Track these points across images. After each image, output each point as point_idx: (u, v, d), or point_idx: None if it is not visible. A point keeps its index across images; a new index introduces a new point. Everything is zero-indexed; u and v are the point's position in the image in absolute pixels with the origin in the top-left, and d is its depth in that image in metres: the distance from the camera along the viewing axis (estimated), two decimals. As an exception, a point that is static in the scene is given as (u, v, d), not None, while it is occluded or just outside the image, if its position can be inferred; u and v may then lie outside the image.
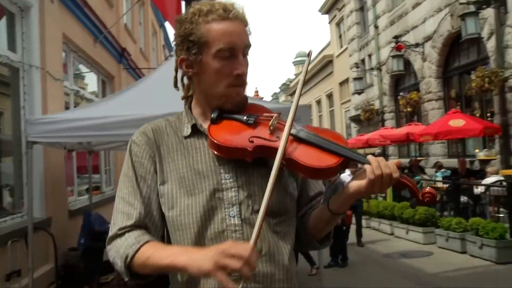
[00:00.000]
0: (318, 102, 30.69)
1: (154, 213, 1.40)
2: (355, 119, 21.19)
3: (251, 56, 1.48)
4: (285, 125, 1.35)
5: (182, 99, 1.56)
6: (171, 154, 1.43)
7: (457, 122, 9.95)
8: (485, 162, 11.04)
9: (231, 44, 1.37)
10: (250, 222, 1.33)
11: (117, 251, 1.34)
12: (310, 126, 1.48)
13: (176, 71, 1.52)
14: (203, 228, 1.34)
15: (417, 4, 14.60)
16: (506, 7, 10.31)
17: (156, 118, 5.07)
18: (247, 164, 1.37)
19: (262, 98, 25.23)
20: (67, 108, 7.67)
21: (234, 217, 1.34)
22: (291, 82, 41.62)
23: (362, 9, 20.66)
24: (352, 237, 9.04)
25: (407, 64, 15.21)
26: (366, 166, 1.29)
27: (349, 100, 23.03)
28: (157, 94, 5.51)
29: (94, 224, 6.42)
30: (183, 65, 1.43)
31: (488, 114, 11.63)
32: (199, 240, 1.34)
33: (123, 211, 1.39)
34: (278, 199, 1.39)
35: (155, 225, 1.41)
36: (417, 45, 14.56)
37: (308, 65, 1.45)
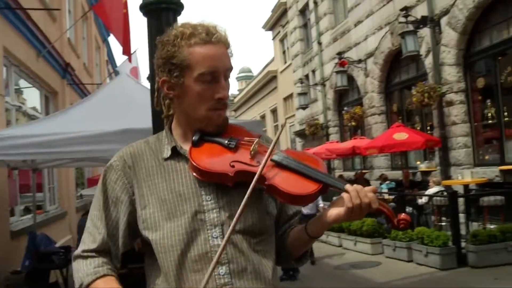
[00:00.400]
0: (263, 117, 31.04)
1: (119, 238, 1.45)
2: (300, 133, 21.58)
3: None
4: (266, 150, 1.38)
5: (163, 118, 1.55)
6: (150, 177, 1.42)
7: (401, 135, 10.35)
8: (426, 174, 11.54)
9: (213, 68, 1.39)
10: (233, 242, 1.35)
11: (76, 272, 1.42)
12: (289, 150, 1.52)
13: (157, 91, 1.52)
14: (186, 249, 1.35)
15: (359, 22, 15.17)
16: (440, 28, 10.94)
17: (105, 135, 4.97)
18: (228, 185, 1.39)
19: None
20: (8, 124, 7.36)
21: (217, 238, 1.35)
22: (234, 97, 41.83)
23: (305, 26, 21.19)
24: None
25: (351, 79, 15.71)
26: (345, 195, 1.32)
27: (293, 115, 23.43)
28: (105, 111, 5.44)
29: (40, 244, 6.17)
30: (165, 87, 1.43)
31: (428, 128, 12.20)
32: (183, 262, 1.35)
33: (91, 232, 1.45)
34: (258, 219, 1.41)
35: (118, 249, 1.46)
36: (359, 61, 15.09)
37: (279, 135, 1.47)
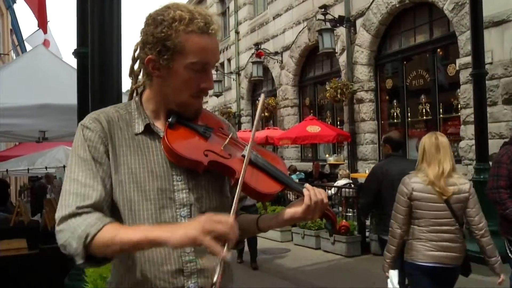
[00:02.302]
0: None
1: (108, 198, 1.38)
2: (212, 120, 21.55)
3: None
4: (236, 143, 1.49)
5: (135, 89, 1.54)
6: (123, 148, 1.41)
7: (314, 128, 10.79)
8: (335, 166, 12.15)
9: (205, 59, 1.40)
10: None
11: (73, 231, 1.27)
12: (257, 147, 1.59)
13: (134, 61, 1.50)
14: (155, 223, 1.37)
15: (278, 15, 15.47)
16: (355, 28, 11.52)
17: (20, 109, 4.68)
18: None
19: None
20: None
21: (185, 217, 1.40)
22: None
23: (224, 14, 21.16)
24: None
25: (266, 70, 16.01)
26: (305, 193, 1.43)
27: (206, 102, 23.37)
28: (20, 84, 5.11)
29: None
30: (150, 65, 1.41)
31: (338, 122, 12.82)
32: None
33: (77, 192, 1.33)
34: (221, 202, 1.49)
35: (108, 209, 1.38)
36: (276, 53, 15.41)
37: (263, 105, 1.54)
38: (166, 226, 1.27)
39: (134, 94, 1.55)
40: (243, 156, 1.43)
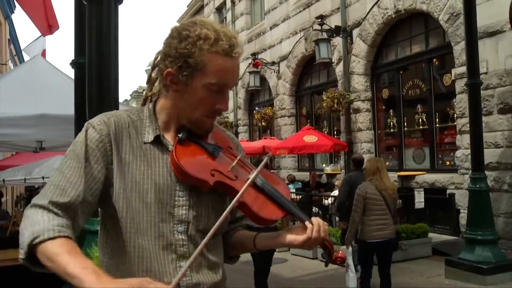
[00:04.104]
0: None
1: (88, 203, 1.34)
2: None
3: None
4: (245, 166, 1.49)
5: (149, 97, 1.54)
6: (129, 156, 1.40)
7: (311, 138, 10.81)
8: (331, 176, 12.15)
9: (224, 81, 1.39)
10: (193, 240, 1.41)
11: (31, 224, 1.23)
12: (265, 171, 1.56)
13: (152, 69, 1.50)
14: (154, 235, 1.37)
15: (275, 26, 15.56)
16: (352, 38, 11.60)
17: (19, 119, 4.70)
18: None
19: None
20: None
21: (181, 233, 1.40)
22: (143, 90, 40.69)
23: (221, 24, 21.22)
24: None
25: (263, 80, 16.06)
26: (309, 226, 1.44)
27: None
28: (18, 94, 5.14)
29: None
30: (168, 79, 1.40)
31: (335, 132, 12.86)
32: (148, 247, 1.37)
33: (59, 185, 1.30)
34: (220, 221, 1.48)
35: (83, 216, 1.34)
36: (273, 63, 15.48)
37: (264, 163, 1.51)
38: (105, 275, 1.17)
39: (148, 101, 1.54)
40: (254, 183, 1.44)
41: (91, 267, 1.15)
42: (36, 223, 1.22)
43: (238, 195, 1.36)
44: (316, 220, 1.45)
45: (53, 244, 1.18)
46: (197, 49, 1.35)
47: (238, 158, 1.49)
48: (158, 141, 1.44)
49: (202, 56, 1.35)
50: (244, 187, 1.38)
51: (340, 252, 1.56)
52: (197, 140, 1.46)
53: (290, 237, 1.46)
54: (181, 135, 1.44)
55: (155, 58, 1.47)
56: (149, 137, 1.44)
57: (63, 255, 1.16)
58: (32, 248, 1.19)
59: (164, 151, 1.43)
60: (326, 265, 1.60)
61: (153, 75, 1.51)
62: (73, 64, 4.06)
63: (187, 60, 1.36)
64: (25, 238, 1.20)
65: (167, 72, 1.39)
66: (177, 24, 1.44)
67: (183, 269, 1.27)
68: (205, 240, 1.29)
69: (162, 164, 1.41)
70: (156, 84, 1.52)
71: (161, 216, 1.37)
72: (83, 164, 1.34)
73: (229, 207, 1.35)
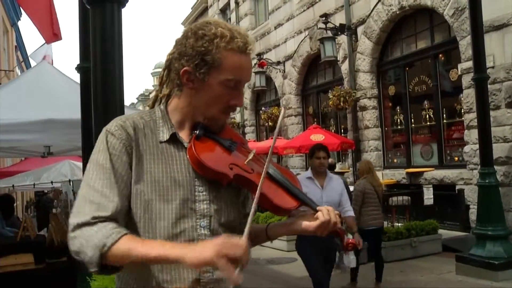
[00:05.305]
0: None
1: (124, 210, 1.38)
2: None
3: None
4: (260, 160, 1.53)
5: (160, 98, 1.56)
6: (147, 156, 1.42)
7: (318, 136, 10.78)
8: (340, 174, 12.10)
9: (239, 78, 1.44)
10: (216, 234, 1.42)
11: (87, 240, 1.28)
12: (275, 164, 1.63)
13: (165, 71, 1.53)
14: (174, 233, 1.38)
15: (279, 25, 15.55)
16: (356, 36, 11.57)
17: (25, 125, 4.71)
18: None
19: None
20: None
21: (204, 228, 1.42)
22: (150, 93, 40.92)
23: (226, 24, 21.28)
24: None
25: (269, 80, 16.06)
26: (320, 212, 1.48)
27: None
28: (25, 100, 5.16)
29: None
30: (185, 77, 1.44)
31: (342, 130, 12.82)
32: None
33: (93, 201, 1.33)
34: (238, 214, 1.52)
35: (123, 222, 1.38)
36: (278, 63, 15.48)
37: (282, 119, 1.61)
38: (181, 244, 1.30)
39: (157, 103, 1.57)
40: (267, 173, 1.48)
41: (168, 244, 1.28)
42: (91, 238, 1.28)
43: (259, 186, 1.39)
44: (326, 207, 1.49)
45: (119, 245, 1.26)
46: (214, 47, 1.39)
47: (252, 153, 1.54)
48: (173, 139, 1.47)
49: (219, 53, 1.40)
50: (262, 178, 1.41)
51: (351, 238, 1.57)
52: (214, 136, 1.51)
53: (304, 224, 1.49)
54: (198, 131, 1.48)
55: (168, 60, 1.50)
56: (164, 136, 1.46)
57: (137, 248, 1.26)
58: (102, 258, 1.26)
59: (180, 148, 1.47)
60: (339, 252, 1.62)
61: (165, 76, 1.54)
62: (78, 68, 4.08)
63: (204, 58, 1.40)
64: (89, 254, 1.27)
65: (184, 71, 1.43)
66: (190, 26, 1.48)
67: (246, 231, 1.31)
68: (248, 224, 1.33)
69: (179, 161, 1.45)
70: (165, 86, 1.55)
71: (183, 211, 1.40)
72: (111, 173, 1.37)
73: (256, 197, 1.38)
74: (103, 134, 1.42)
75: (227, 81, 1.42)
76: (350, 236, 4.60)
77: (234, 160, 1.47)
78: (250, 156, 1.51)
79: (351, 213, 4.98)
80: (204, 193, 1.43)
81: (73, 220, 1.33)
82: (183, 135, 1.49)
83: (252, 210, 1.35)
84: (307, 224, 1.48)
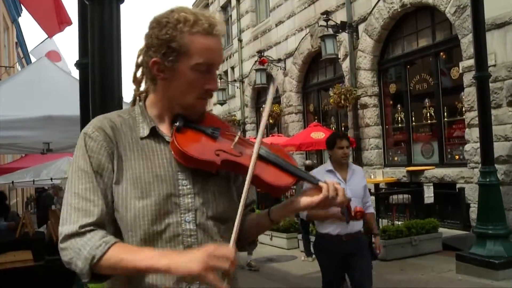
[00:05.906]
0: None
1: (110, 212, 1.37)
2: (217, 129, 21.63)
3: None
4: (246, 142, 1.48)
5: (139, 97, 1.54)
6: (127, 154, 1.40)
7: (318, 134, 10.75)
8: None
9: (211, 60, 1.41)
10: (204, 228, 1.40)
11: (78, 252, 1.28)
12: (267, 144, 1.57)
13: (137, 67, 1.50)
14: (158, 229, 1.36)
15: (280, 22, 15.51)
16: (358, 34, 11.53)
17: (25, 121, 4.71)
18: (203, 171, 1.42)
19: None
20: None
21: (189, 222, 1.39)
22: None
23: (226, 22, 21.25)
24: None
25: (269, 78, 16.02)
26: (323, 185, 1.42)
27: (211, 110, 23.42)
28: (24, 96, 5.15)
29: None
30: (154, 68, 1.41)
31: (342, 128, 12.80)
32: (152, 241, 1.36)
33: (79, 207, 1.32)
34: (228, 206, 1.46)
35: (111, 223, 1.38)
36: (279, 60, 15.44)
37: (273, 94, 1.55)
38: (169, 253, 1.28)
39: (137, 101, 1.55)
40: (259, 155, 1.43)
41: (156, 254, 1.26)
42: (81, 249, 1.28)
43: (250, 168, 1.36)
44: (332, 182, 1.43)
45: (109, 256, 1.27)
46: (178, 32, 1.37)
47: (237, 136, 1.49)
48: (154, 134, 1.44)
49: (184, 38, 1.37)
50: (253, 159, 1.38)
51: (358, 207, 1.53)
52: (194, 125, 1.47)
53: (306, 200, 1.42)
54: (178, 123, 1.44)
55: (138, 56, 1.48)
56: (145, 132, 1.44)
57: (125, 259, 1.26)
58: (92, 269, 1.27)
59: (161, 142, 1.44)
60: (348, 222, 1.56)
61: (138, 74, 1.51)
62: (77, 65, 4.05)
63: (170, 45, 1.37)
64: (80, 266, 1.27)
65: (153, 62, 1.40)
66: (155, 16, 1.44)
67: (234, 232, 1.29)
68: (238, 219, 1.30)
69: (161, 156, 1.42)
70: (143, 83, 1.52)
71: (167, 207, 1.37)
72: (93, 177, 1.36)
73: (246, 182, 1.35)
74: (81, 137, 1.41)
75: (198, 65, 1.39)
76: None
77: (220, 146, 1.43)
78: (236, 140, 1.47)
79: (372, 209, 4.56)
80: (188, 186, 1.40)
81: (61, 229, 1.33)
82: (164, 129, 1.46)
83: (240, 209, 1.32)
84: (310, 200, 1.42)
